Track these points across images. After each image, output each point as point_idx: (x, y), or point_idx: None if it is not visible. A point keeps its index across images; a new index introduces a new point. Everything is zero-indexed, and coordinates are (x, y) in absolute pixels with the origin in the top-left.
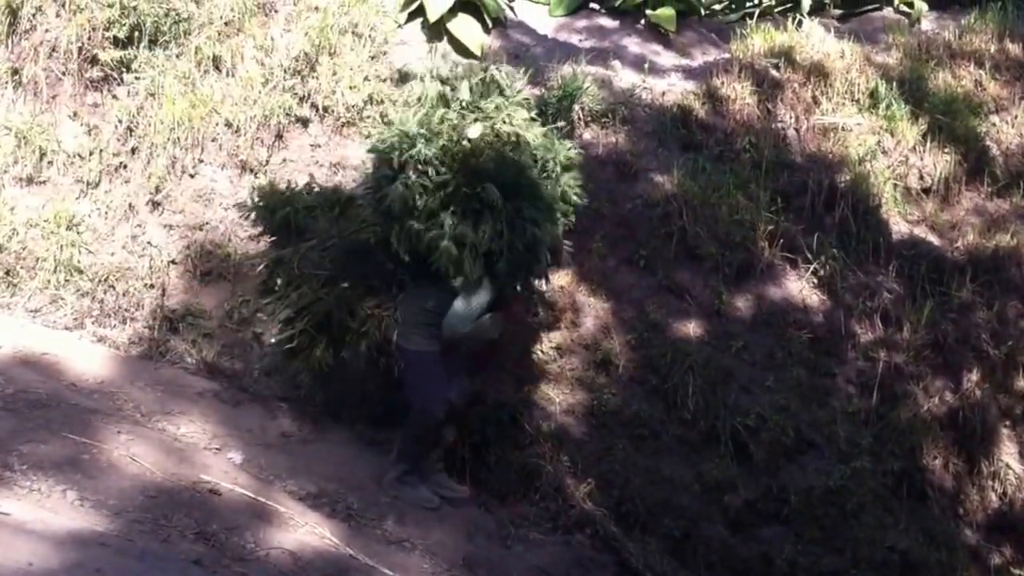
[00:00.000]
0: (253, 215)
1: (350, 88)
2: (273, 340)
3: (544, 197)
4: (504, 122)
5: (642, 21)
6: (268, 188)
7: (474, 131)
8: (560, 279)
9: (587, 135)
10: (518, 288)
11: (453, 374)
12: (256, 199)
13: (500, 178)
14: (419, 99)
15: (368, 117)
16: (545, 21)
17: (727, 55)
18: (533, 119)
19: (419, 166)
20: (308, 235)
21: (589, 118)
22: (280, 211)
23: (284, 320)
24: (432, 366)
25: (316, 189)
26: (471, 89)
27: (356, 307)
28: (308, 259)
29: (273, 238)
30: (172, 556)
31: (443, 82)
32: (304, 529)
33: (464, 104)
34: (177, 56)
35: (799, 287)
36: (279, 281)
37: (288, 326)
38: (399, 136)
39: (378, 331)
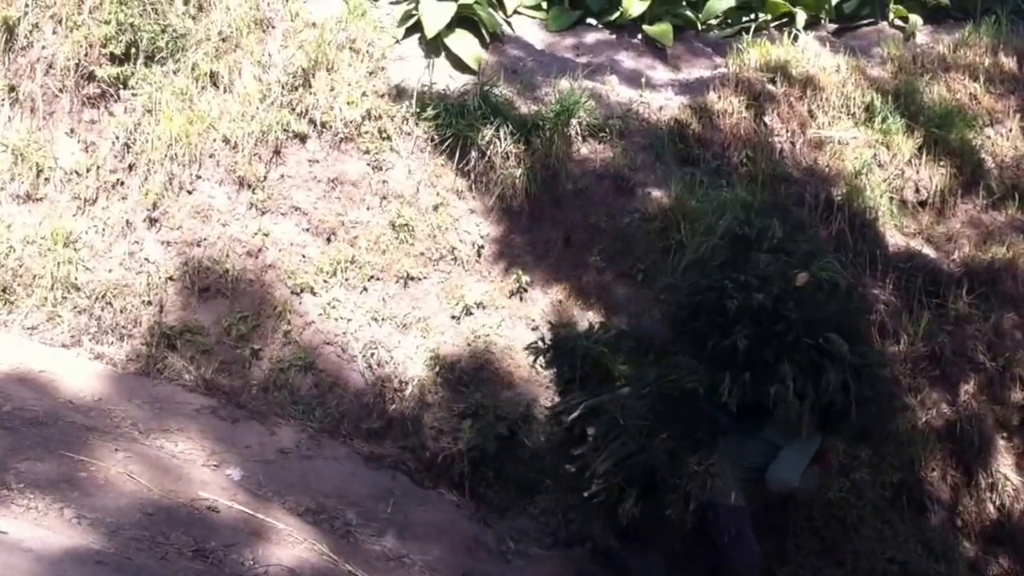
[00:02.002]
0: (547, 357)
1: (348, 104)
2: (585, 495)
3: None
4: (822, 268)
5: (639, 36)
6: (562, 330)
7: (802, 277)
8: (558, 293)
9: (584, 150)
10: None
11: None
12: (550, 341)
13: (839, 326)
14: (722, 236)
15: (366, 133)
16: (542, 36)
17: (723, 70)
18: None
19: (756, 316)
20: (619, 382)
21: (586, 133)
22: (582, 355)
23: (603, 474)
24: (746, 522)
25: (612, 331)
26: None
27: (682, 460)
28: (630, 408)
29: (565, 383)
30: (170, 574)
31: (743, 222)
32: (303, 546)
33: (776, 245)
34: (174, 72)
35: None
36: (591, 431)
37: (604, 480)
38: (734, 284)
39: (702, 487)
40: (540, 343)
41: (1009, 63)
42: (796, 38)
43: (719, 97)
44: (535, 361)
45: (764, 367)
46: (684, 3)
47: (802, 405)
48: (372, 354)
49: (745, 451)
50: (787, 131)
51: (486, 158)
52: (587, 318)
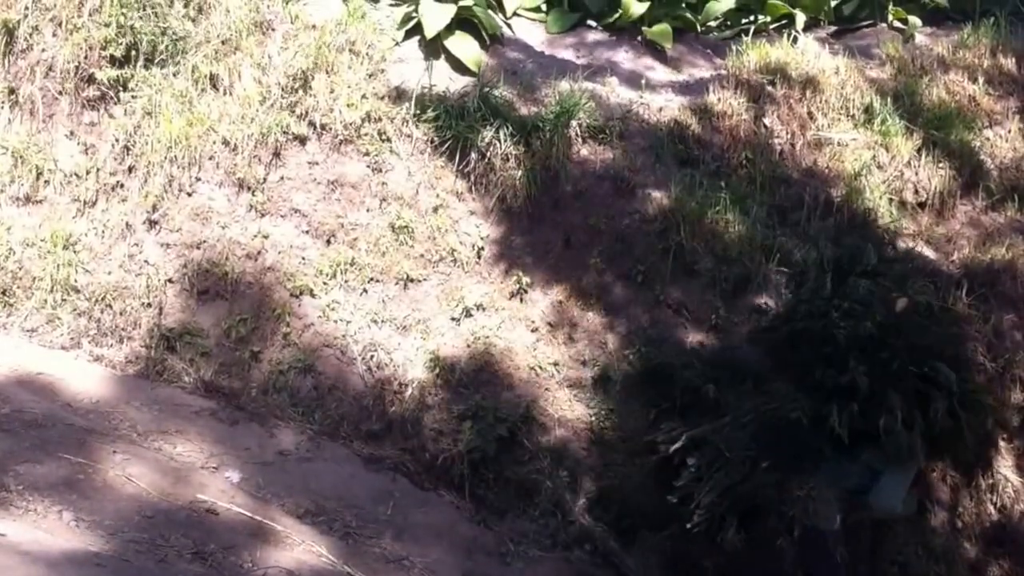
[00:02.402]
0: (636, 384)
1: (348, 106)
2: (689, 526)
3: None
4: (919, 292)
5: (638, 38)
6: (653, 355)
7: (902, 303)
8: (558, 295)
9: (584, 151)
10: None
11: None
12: (642, 368)
13: (942, 353)
14: (818, 263)
15: (366, 135)
16: (542, 38)
17: (723, 71)
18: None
19: (863, 344)
20: (718, 411)
21: (586, 134)
22: (682, 384)
23: (707, 504)
24: (839, 547)
25: (707, 358)
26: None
27: (786, 488)
28: (733, 438)
29: (659, 411)
30: None
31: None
32: (302, 547)
33: (870, 269)
34: (174, 75)
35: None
36: (691, 461)
37: (707, 511)
38: (839, 313)
39: (805, 512)
40: (629, 367)
41: (1008, 64)
42: (795, 40)
43: (719, 99)
44: (629, 393)
45: (871, 396)
46: (684, 5)
47: (911, 434)
48: (372, 356)
49: (845, 476)
50: (786, 132)
51: (486, 160)
52: (587, 319)
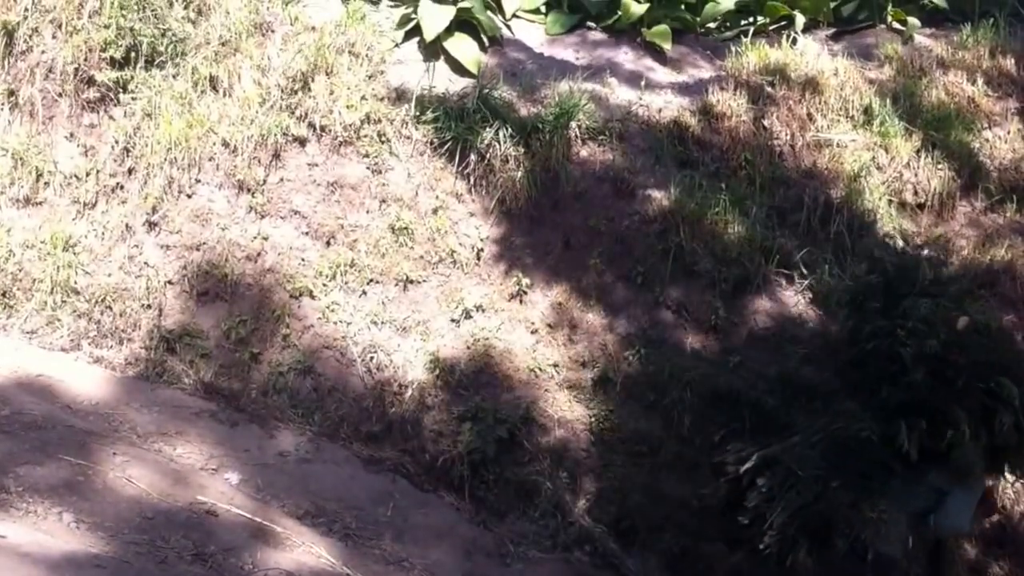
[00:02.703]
0: (700, 406)
1: (347, 107)
2: (761, 547)
3: None
4: (979, 311)
5: (638, 39)
6: (717, 376)
7: (963, 321)
8: (558, 296)
9: (583, 152)
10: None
11: None
12: (709, 390)
13: (1006, 369)
14: (870, 283)
15: (365, 136)
16: (541, 39)
17: (722, 72)
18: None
19: (929, 362)
20: (786, 431)
21: (586, 136)
22: (752, 405)
23: (779, 526)
24: (910, 571)
25: (774, 378)
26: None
27: (858, 509)
28: (804, 458)
29: (727, 431)
30: None
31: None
32: (302, 549)
33: (928, 287)
34: (174, 76)
35: (795, 302)
36: (761, 481)
37: (779, 532)
38: (905, 331)
39: (877, 534)
40: (686, 394)
41: (1007, 65)
42: (795, 41)
43: (718, 100)
44: (710, 417)
45: (937, 413)
46: (683, 6)
47: (977, 448)
48: (371, 357)
49: (911, 497)
50: (786, 134)
51: (485, 161)
52: (587, 320)
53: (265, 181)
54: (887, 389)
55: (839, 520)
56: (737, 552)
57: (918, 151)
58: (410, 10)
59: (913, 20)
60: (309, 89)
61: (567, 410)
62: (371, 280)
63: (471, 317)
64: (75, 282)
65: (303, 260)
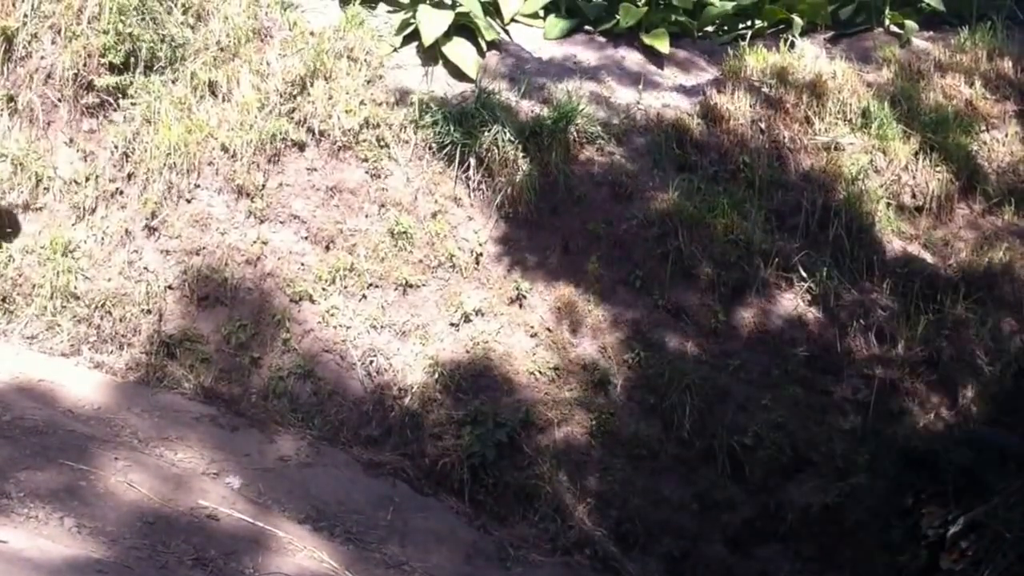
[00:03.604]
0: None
1: (346, 112)
2: None
3: None
4: None
5: (636, 43)
6: (913, 439)
7: None
8: (557, 299)
9: (582, 156)
10: None
11: None
12: (906, 452)
13: None
14: None
15: (364, 141)
16: (540, 44)
17: (721, 76)
18: None
19: None
20: (983, 493)
21: (584, 139)
22: (956, 469)
23: None
24: None
25: (970, 440)
26: None
27: None
28: (1008, 519)
29: (924, 494)
30: None
31: None
32: (303, 553)
33: None
34: (173, 82)
35: (794, 305)
36: (964, 544)
37: None
38: None
39: None
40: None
41: (1005, 68)
42: (793, 44)
43: (717, 103)
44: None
45: None
46: (681, 10)
47: None
48: (371, 361)
49: None
50: (785, 137)
51: (484, 165)
52: (586, 324)
53: (264, 186)
54: None
55: None
56: None
57: (916, 154)
58: (408, 15)
59: (911, 23)
60: (308, 94)
61: (567, 414)
62: (371, 284)
63: (470, 321)
64: (75, 287)
65: (302, 264)
